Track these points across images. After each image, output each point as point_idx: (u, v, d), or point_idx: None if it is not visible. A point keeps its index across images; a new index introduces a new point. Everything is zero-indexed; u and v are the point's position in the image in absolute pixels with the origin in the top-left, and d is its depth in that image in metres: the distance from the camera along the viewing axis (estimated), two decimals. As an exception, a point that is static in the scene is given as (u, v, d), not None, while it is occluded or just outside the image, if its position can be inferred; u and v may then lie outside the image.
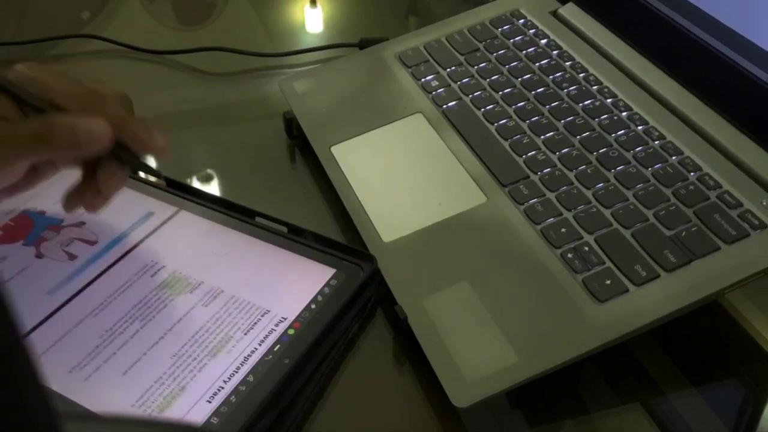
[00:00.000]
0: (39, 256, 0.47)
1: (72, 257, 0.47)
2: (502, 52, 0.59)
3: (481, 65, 0.58)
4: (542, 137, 0.51)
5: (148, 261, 0.47)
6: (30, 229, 0.49)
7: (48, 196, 0.50)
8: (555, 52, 0.57)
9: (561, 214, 0.45)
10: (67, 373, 0.40)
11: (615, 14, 0.57)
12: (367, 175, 0.51)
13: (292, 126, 0.59)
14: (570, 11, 0.60)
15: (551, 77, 0.55)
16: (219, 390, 0.39)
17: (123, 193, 0.50)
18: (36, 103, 0.39)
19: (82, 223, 0.49)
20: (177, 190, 0.52)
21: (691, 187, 0.45)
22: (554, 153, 0.49)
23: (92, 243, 0.48)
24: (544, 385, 0.39)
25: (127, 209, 0.50)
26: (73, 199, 0.42)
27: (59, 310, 0.44)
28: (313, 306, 0.44)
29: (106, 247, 0.48)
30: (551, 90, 0.54)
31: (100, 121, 0.39)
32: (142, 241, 0.48)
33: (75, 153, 0.40)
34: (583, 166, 0.48)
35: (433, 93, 0.56)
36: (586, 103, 0.52)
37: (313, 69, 0.66)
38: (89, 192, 0.42)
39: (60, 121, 0.39)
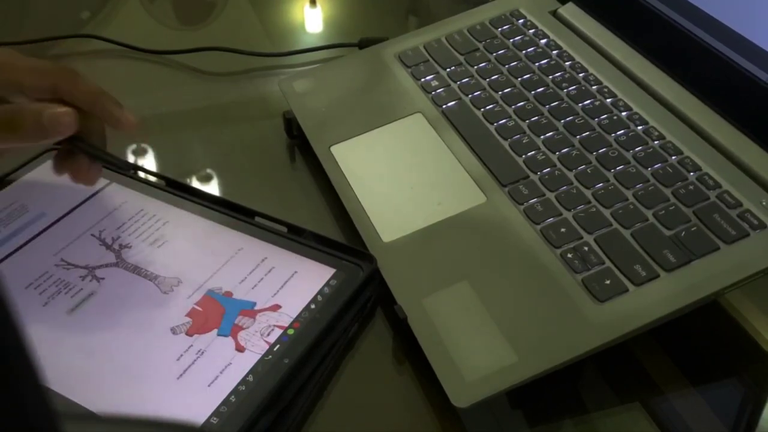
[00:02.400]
0: (240, 349, 0.41)
1: (273, 346, 0.41)
2: (501, 52, 0.59)
3: (480, 65, 0.58)
4: (542, 137, 0.51)
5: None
6: (221, 315, 0.43)
7: (229, 272, 0.45)
8: (555, 52, 0.57)
9: (561, 214, 0.45)
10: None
11: (615, 14, 0.57)
12: (366, 175, 0.51)
13: (291, 126, 0.59)
14: (570, 11, 0.60)
15: (551, 77, 0.55)
16: (219, 390, 0.39)
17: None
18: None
19: (278, 306, 0.43)
20: (177, 189, 0.52)
21: (691, 187, 0.45)
22: (554, 153, 0.49)
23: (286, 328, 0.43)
24: (544, 385, 0.39)
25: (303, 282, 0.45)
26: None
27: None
28: (312, 306, 0.44)
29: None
30: (551, 90, 0.54)
31: (65, 108, 0.41)
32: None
33: (42, 139, 0.42)
34: (583, 166, 0.48)
35: (433, 93, 0.56)
36: (585, 103, 0.52)
37: (312, 69, 0.66)
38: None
39: (27, 107, 0.40)
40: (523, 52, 0.58)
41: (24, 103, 0.41)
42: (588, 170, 0.48)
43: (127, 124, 0.43)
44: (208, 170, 0.58)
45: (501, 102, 0.54)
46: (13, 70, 0.42)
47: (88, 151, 0.44)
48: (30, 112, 0.40)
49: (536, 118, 0.52)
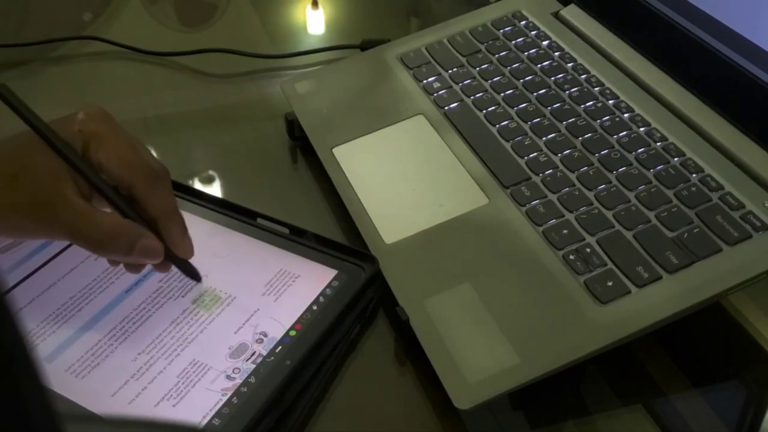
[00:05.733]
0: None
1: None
2: (503, 53, 0.59)
3: (482, 67, 0.58)
4: (544, 138, 0.51)
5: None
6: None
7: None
8: (556, 53, 0.57)
9: (563, 216, 0.45)
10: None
11: (616, 16, 0.57)
12: (368, 177, 0.51)
13: (293, 127, 0.59)
14: (571, 12, 0.60)
15: (553, 78, 0.55)
16: (221, 391, 0.39)
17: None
18: (110, 197, 0.39)
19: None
20: (179, 191, 0.52)
21: (693, 189, 0.45)
22: (556, 154, 0.49)
23: None
24: (546, 386, 0.39)
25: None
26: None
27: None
28: (314, 307, 0.44)
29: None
30: (553, 91, 0.54)
31: (159, 244, 0.40)
32: None
33: (125, 260, 0.41)
34: (585, 168, 0.48)
35: (435, 94, 0.56)
36: (587, 104, 0.52)
37: (314, 70, 0.66)
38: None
39: (126, 231, 0.39)
40: (525, 53, 0.58)
41: (121, 223, 0.39)
42: (590, 172, 0.48)
43: (183, 253, 0.41)
44: (210, 172, 0.58)
45: (503, 103, 0.54)
46: (106, 150, 0.39)
47: (177, 262, 0.42)
48: (126, 237, 0.39)
49: (538, 119, 0.52)
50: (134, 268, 0.43)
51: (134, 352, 0.41)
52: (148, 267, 0.46)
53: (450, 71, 0.58)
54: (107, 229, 0.38)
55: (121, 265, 0.43)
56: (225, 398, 0.39)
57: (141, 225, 0.40)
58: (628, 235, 0.43)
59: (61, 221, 0.38)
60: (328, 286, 0.45)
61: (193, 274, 0.43)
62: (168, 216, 0.41)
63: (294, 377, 0.40)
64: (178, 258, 0.41)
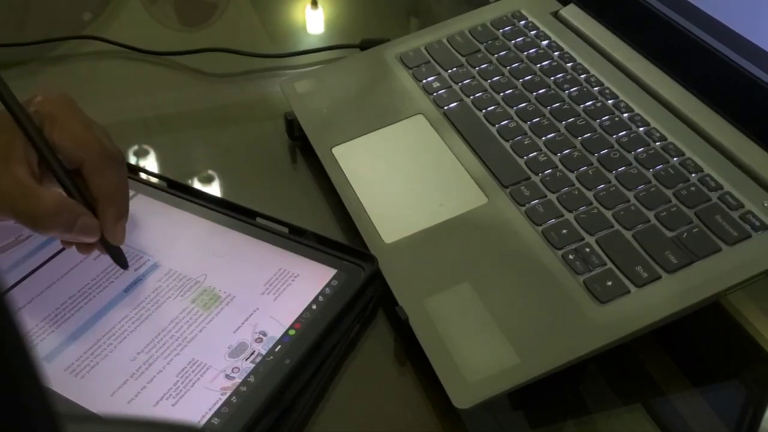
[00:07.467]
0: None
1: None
2: (503, 53, 0.59)
3: (482, 66, 0.58)
4: (543, 138, 0.51)
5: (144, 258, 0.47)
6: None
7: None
8: (556, 53, 0.57)
9: (562, 215, 0.45)
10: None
11: (616, 15, 0.57)
12: (368, 176, 0.51)
13: (293, 127, 0.59)
14: (571, 12, 0.60)
15: (552, 78, 0.55)
16: (220, 391, 0.39)
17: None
18: (58, 173, 0.40)
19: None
20: (178, 191, 0.52)
21: (693, 188, 0.45)
22: (555, 154, 0.49)
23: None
24: (545, 386, 0.39)
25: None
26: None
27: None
28: (314, 306, 0.44)
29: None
30: (552, 91, 0.54)
31: (95, 221, 0.41)
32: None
33: (61, 235, 0.42)
34: (584, 167, 0.48)
35: (434, 94, 0.56)
36: (587, 104, 0.52)
37: (314, 70, 0.66)
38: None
39: (67, 210, 0.40)
40: (525, 53, 0.58)
41: (64, 201, 0.40)
42: (589, 171, 0.48)
43: (112, 238, 0.42)
44: (210, 171, 0.58)
45: (502, 103, 0.54)
46: (60, 129, 0.40)
47: (107, 246, 0.43)
48: (68, 214, 0.40)
49: (537, 119, 0.52)
50: (84, 248, 0.44)
51: (133, 352, 0.41)
52: (146, 267, 0.46)
53: (449, 71, 0.58)
54: (49, 206, 0.39)
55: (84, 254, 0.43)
56: (224, 397, 0.39)
57: (82, 204, 0.41)
58: (628, 234, 0.43)
59: (3, 196, 0.39)
60: (328, 285, 0.45)
61: (120, 261, 0.44)
62: (108, 198, 0.42)
63: (293, 376, 0.40)
64: (108, 242, 0.42)
